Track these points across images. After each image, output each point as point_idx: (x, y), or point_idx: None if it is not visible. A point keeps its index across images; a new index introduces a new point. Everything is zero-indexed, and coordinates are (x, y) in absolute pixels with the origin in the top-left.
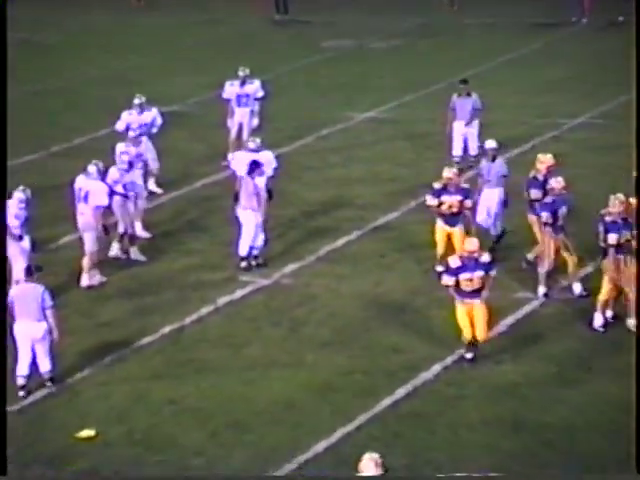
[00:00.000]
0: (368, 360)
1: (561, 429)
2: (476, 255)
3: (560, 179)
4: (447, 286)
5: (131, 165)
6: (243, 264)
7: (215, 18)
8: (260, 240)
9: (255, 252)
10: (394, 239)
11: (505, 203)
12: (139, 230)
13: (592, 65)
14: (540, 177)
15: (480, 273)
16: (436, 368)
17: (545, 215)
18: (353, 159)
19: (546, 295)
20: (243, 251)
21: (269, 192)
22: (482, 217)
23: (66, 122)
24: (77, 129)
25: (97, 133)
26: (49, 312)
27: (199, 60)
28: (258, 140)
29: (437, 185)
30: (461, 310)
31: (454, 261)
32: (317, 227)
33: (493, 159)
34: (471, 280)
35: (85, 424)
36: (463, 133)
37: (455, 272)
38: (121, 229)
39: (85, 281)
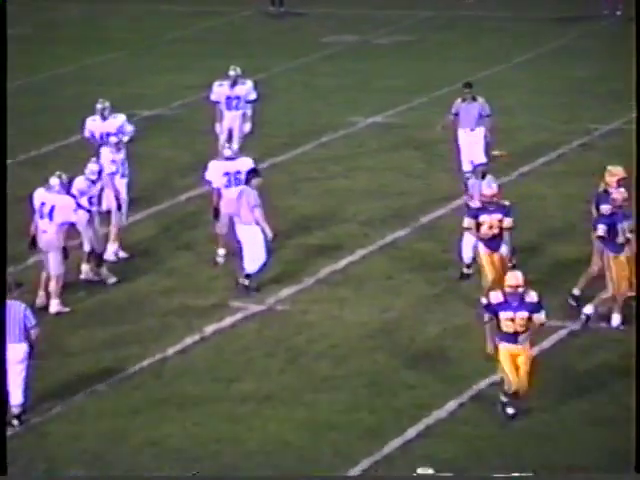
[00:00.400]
0: (374, 396)
1: (596, 475)
2: (521, 291)
3: (623, 190)
4: (485, 323)
5: (100, 175)
6: (246, 281)
7: (203, 10)
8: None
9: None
10: (403, 259)
11: None
12: (116, 248)
13: (625, 63)
14: (612, 190)
15: (524, 314)
16: (451, 405)
17: (601, 228)
18: (356, 169)
19: (587, 318)
20: (252, 267)
21: None
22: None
23: (34, 126)
24: (46, 134)
25: (68, 139)
26: (33, 332)
27: (184, 57)
28: (235, 147)
29: (474, 203)
30: (504, 354)
31: (496, 296)
32: (316, 245)
33: (483, 176)
34: (512, 320)
35: (55, 469)
36: (469, 144)
37: (495, 309)
38: (87, 248)
39: (54, 307)
